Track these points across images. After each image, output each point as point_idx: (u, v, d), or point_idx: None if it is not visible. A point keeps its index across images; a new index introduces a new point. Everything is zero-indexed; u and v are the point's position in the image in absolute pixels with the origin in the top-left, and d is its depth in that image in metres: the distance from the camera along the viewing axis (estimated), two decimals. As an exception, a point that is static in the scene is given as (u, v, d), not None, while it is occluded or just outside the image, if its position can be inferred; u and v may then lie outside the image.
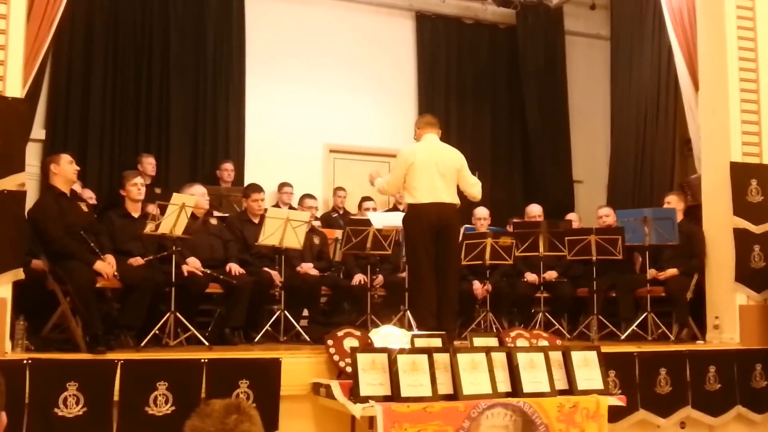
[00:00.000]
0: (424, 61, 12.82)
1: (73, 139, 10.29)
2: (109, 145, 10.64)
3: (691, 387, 7.45)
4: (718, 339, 8.12)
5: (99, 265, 6.58)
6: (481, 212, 9.53)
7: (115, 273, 6.66)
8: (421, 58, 12.83)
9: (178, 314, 6.86)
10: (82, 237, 6.70)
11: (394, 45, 12.71)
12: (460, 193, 7.49)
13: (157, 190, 9.03)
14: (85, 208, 7.05)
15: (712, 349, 7.85)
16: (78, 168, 7.07)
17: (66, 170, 6.84)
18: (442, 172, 7.25)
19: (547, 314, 8.65)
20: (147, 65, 11.03)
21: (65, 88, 10.46)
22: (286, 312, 7.63)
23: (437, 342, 6.32)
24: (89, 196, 8.42)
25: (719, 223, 8.29)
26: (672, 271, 8.41)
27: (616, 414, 6.59)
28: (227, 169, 10.52)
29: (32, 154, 9.50)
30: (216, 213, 8.79)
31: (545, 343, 6.87)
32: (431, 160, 7.26)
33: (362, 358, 5.70)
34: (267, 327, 7.56)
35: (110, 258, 6.71)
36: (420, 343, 6.21)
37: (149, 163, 9.98)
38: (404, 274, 8.42)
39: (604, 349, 6.65)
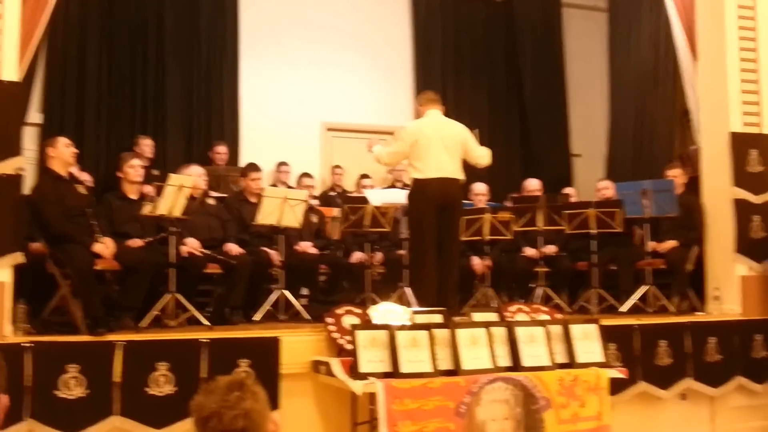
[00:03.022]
0: (420, 37, 12.78)
1: (69, 123, 10.28)
2: (105, 128, 10.64)
3: (691, 358, 7.45)
4: (718, 310, 8.12)
5: (98, 248, 6.58)
6: (480, 188, 9.52)
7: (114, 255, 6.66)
8: (417, 34, 12.79)
9: (177, 295, 6.85)
10: (82, 219, 6.70)
11: (389, 21, 12.66)
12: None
13: (155, 172, 9.00)
14: (83, 191, 7.05)
15: (712, 321, 7.86)
16: (76, 151, 7.04)
17: (63, 153, 6.82)
18: (448, 147, 7.25)
19: (546, 289, 8.62)
20: (142, 46, 11.02)
21: (61, 71, 10.44)
22: (285, 291, 7.63)
23: (437, 318, 6.33)
24: (87, 179, 8.39)
25: (719, 194, 8.27)
26: (672, 243, 8.39)
27: (616, 386, 6.59)
28: (220, 152, 10.46)
29: (29, 138, 9.51)
30: (213, 193, 8.78)
31: (545, 317, 6.85)
32: (437, 135, 7.25)
33: (362, 335, 5.70)
34: (266, 306, 7.54)
35: (108, 240, 6.70)
36: (420, 319, 6.22)
37: (147, 145, 9.94)
38: (403, 252, 8.40)
39: (604, 322, 6.65)
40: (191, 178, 7.45)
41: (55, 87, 10.37)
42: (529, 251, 8.92)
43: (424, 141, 7.20)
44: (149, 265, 6.79)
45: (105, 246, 6.63)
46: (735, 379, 7.65)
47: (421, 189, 7.23)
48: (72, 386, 5.49)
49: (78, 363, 5.52)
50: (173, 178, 7.02)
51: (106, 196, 7.55)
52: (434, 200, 7.16)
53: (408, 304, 7.30)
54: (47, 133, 9.54)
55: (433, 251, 7.17)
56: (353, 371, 5.63)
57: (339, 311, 6.41)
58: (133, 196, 7.43)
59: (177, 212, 6.96)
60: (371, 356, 5.66)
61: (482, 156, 7.54)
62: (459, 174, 7.33)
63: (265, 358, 6.02)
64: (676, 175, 8.70)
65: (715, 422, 7.68)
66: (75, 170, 7.70)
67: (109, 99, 10.70)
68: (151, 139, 10.14)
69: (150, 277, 6.79)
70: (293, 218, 7.79)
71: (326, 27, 12.07)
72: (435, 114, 7.47)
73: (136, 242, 6.99)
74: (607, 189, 9.24)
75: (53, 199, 6.60)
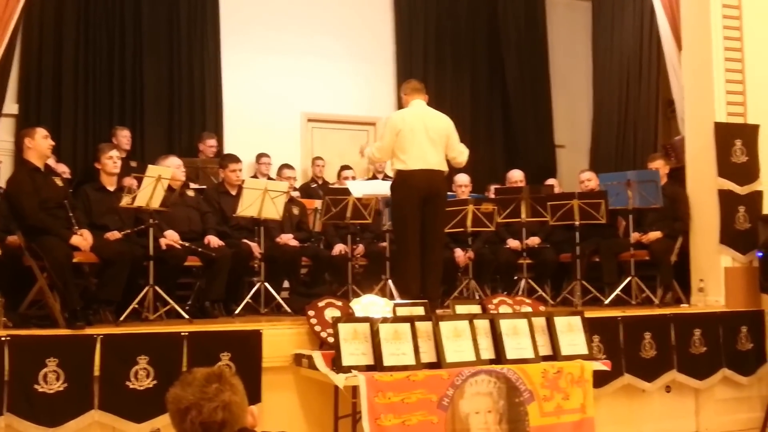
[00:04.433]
0: (402, 27, 12.69)
1: (46, 113, 10.17)
2: (83, 119, 10.51)
3: (676, 350, 7.45)
4: (702, 302, 8.10)
5: (75, 240, 6.50)
6: (462, 179, 9.46)
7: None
8: (398, 24, 12.70)
9: (157, 288, 6.79)
10: (59, 211, 6.62)
11: (371, 11, 12.57)
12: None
13: (133, 164, 8.91)
14: (59, 183, 6.93)
15: (697, 312, 7.84)
16: (53, 143, 6.96)
17: (40, 145, 6.72)
18: (432, 138, 7.15)
19: (530, 281, 8.61)
20: (119, 36, 10.88)
21: (37, 61, 10.31)
22: (266, 284, 7.58)
23: (420, 310, 6.31)
24: (63, 170, 8.31)
25: (703, 185, 8.24)
26: (656, 234, 8.35)
27: (600, 379, 6.61)
28: (210, 145, 10.41)
29: (5, 129, 9.44)
30: (193, 185, 8.70)
31: (529, 309, 6.83)
32: (421, 125, 7.15)
33: (344, 328, 5.66)
34: (247, 299, 7.50)
35: (86, 233, 6.62)
36: (402, 311, 6.21)
37: (124, 136, 9.86)
38: (385, 244, 8.35)
39: (588, 314, 6.63)
40: (169, 169, 7.37)
41: (32, 77, 10.24)
42: (513, 243, 8.89)
43: (407, 131, 7.12)
44: (128, 258, 6.71)
45: (83, 238, 6.55)
46: (720, 371, 7.64)
47: (404, 180, 7.15)
48: (51, 380, 5.43)
49: (57, 357, 5.47)
50: (151, 170, 6.95)
51: (83, 187, 7.46)
52: (417, 192, 7.08)
53: (390, 297, 7.27)
54: (23, 124, 9.45)
55: (416, 243, 7.09)
56: (335, 364, 5.59)
57: (320, 304, 6.36)
58: (111, 188, 7.34)
59: (155, 204, 6.88)
60: (353, 349, 5.63)
61: (462, 153, 7.45)
62: (443, 165, 7.25)
63: (246, 352, 5.98)
64: (659, 166, 8.66)
65: (700, 415, 7.68)
66: (52, 162, 7.60)
67: (86, 89, 10.58)
68: (129, 130, 10.06)
69: (128, 269, 6.73)
70: (274, 210, 7.72)
71: (307, 17, 11.97)
72: (420, 104, 7.38)
73: (114, 234, 6.91)
74: (591, 180, 9.24)
75: (30, 190, 6.52)
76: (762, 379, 7.85)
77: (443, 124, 7.32)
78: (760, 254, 7.83)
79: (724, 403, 7.72)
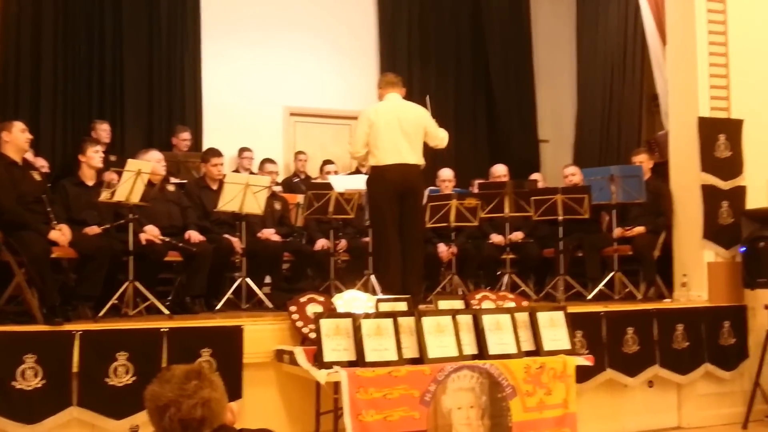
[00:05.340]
0: (385, 20, 12.67)
1: (24, 107, 10.08)
2: (62, 112, 10.44)
3: (658, 346, 7.46)
4: (685, 297, 8.10)
5: (54, 235, 6.43)
6: (446, 174, 9.42)
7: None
8: (382, 17, 12.68)
9: (137, 283, 6.72)
10: (37, 206, 6.54)
11: (354, 4, 12.55)
12: (425, 155, 7.35)
13: (112, 158, 8.82)
14: (37, 177, 6.86)
15: (679, 307, 7.84)
16: (30, 136, 6.88)
17: (18, 138, 6.64)
18: (406, 131, 7.10)
19: (513, 276, 8.60)
20: (99, 29, 10.81)
21: (15, 54, 10.22)
22: (247, 279, 7.53)
23: (402, 306, 6.30)
24: (42, 164, 8.25)
25: (687, 180, 8.23)
26: (639, 229, 8.35)
27: (583, 374, 6.62)
28: (184, 138, 10.33)
29: (-18, 122, 9.30)
30: (173, 179, 8.65)
31: (511, 304, 6.82)
32: (394, 119, 7.10)
33: (326, 324, 5.65)
34: (228, 295, 7.47)
35: (65, 228, 6.54)
36: (385, 307, 6.20)
37: (103, 130, 9.78)
38: (368, 239, 8.31)
39: (571, 309, 6.67)
40: (150, 163, 7.29)
41: (9, 70, 10.14)
42: (496, 238, 8.87)
43: (382, 125, 7.07)
44: (107, 253, 6.65)
45: (61, 233, 6.48)
46: (702, 366, 7.66)
47: (379, 176, 7.12)
48: (29, 377, 5.41)
49: (34, 353, 5.45)
50: (131, 164, 6.88)
51: (62, 182, 7.37)
52: (393, 187, 7.04)
53: (373, 292, 7.24)
54: (1, 117, 9.31)
55: (395, 238, 7.07)
56: (317, 360, 5.59)
57: (302, 299, 6.34)
58: (90, 182, 7.26)
59: (135, 198, 6.81)
60: (335, 345, 5.63)
61: (443, 139, 7.42)
62: (418, 159, 7.19)
63: (227, 347, 5.97)
64: (642, 160, 8.65)
65: (682, 409, 7.70)
66: (30, 156, 7.52)
67: (65, 82, 10.50)
68: (108, 124, 9.98)
69: (108, 265, 6.66)
70: (255, 205, 7.66)
71: (289, 10, 11.93)
72: (394, 97, 7.33)
73: (93, 229, 6.84)
74: (575, 175, 9.24)
75: (7, 185, 6.43)
76: (744, 374, 7.86)
77: (417, 115, 7.26)
78: (743, 249, 7.84)
79: (707, 398, 7.74)
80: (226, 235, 7.70)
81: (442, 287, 8.44)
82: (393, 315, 5.84)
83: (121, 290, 6.66)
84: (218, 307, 7.29)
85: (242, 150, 10.62)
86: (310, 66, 12.05)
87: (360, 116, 7.37)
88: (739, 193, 8.11)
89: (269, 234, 8.11)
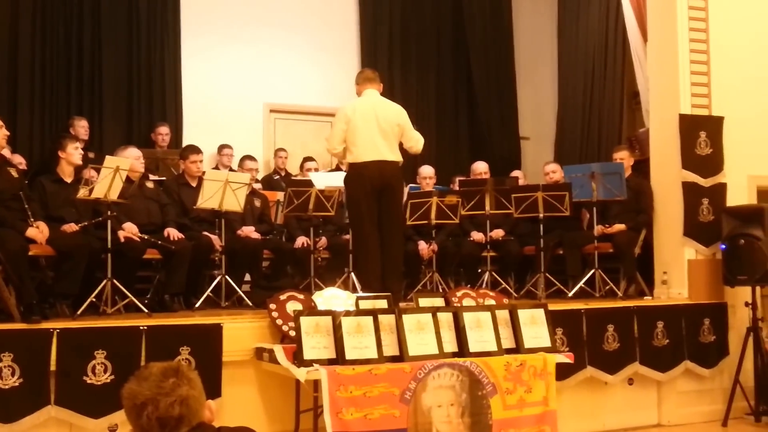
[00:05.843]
0: (366, 17, 12.63)
1: (1, 103, 9.97)
2: (39, 109, 10.35)
3: (638, 343, 7.47)
4: (666, 294, 8.13)
5: (31, 232, 6.38)
6: (427, 171, 9.40)
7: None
8: (363, 14, 12.65)
9: (115, 281, 6.68)
10: (14, 203, 6.49)
11: (334, 1, 12.50)
12: (404, 152, 7.32)
13: (91, 155, 8.76)
14: (15, 174, 6.81)
15: (660, 305, 7.86)
16: (8, 133, 6.82)
17: (-6, 135, 6.60)
18: (383, 128, 7.07)
19: (493, 273, 8.59)
20: (77, 23, 10.71)
21: (-8, 49, 10.12)
22: (227, 277, 7.50)
23: (382, 303, 6.30)
24: (19, 161, 8.18)
25: (668, 177, 8.25)
26: (620, 227, 8.35)
27: (563, 371, 6.64)
28: (162, 133, 10.29)
29: (-41, 119, 9.22)
30: (152, 176, 8.59)
31: (492, 302, 6.83)
32: (371, 116, 7.07)
33: (306, 322, 5.64)
34: (208, 292, 7.43)
35: (42, 225, 6.50)
36: (365, 304, 6.19)
37: (82, 127, 9.72)
38: (348, 236, 8.28)
39: (552, 306, 6.68)
40: (128, 160, 7.24)
41: (-14, 66, 10.05)
42: (477, 235, 8.85)
43: (359, 122, 7.04)
44: (85, 251, 6.60)
45: (39, 230, 6.44)
46: (682, 363, 7.67)
47: (357, 173, 7.08)
48: (6, 376, 5.37)
49: (12, 351, 5.41)
50: (109, 161, 6.83)
51: (39, 179, 7.31)
52: (371, 183, 7.00)
53: (353, 290, 7.22)
54: (-22, 114, 9.27)
55: (374, 236, 7.04)
56: (297, 358, 5.58)
57: (282, 297, 6.31)
58: (68, 179, 7.20)
59: (113, 195, 6.77)
60: (315, 343, 5.62)
61: (417, 141, 7.35)
62: (396, 156, 7.16)
63: (206, 346, 5.95)
64: (623, 157, 8.66)
65: (662, 407, 7.72)
66: (7, 152, 7.47)
67: (42, 78, 10.40)
68: (87, 121, 9.91)
69: (86, 262, 6.62)
70: (235, 202, 7.62)
71: (270, 7, 11.89)
72: (372, 93, 7.29)
73: (71, 227, 6.78)
74: (555, 172, 9.26)
75: (-16, 181, 6.38)
76: (724, 372, 7.88)
77: (395, 113, 7.23)
78: (724, 247, 7.85)
79: (686, 395, 7.76)
80: (206, 233, 7.65)
81: (422, 285, 8.43)
82: (373, 313, 5.82)
83: (99, 288, 6.61)
84: (197, 305, 7.25)
85: (222, 147, 10.57)
86: (291, 63, 12.01)
87: (337, 113, 7.33)
88: (720, 190, 8.13)
89: (249, 231, 8.07)
